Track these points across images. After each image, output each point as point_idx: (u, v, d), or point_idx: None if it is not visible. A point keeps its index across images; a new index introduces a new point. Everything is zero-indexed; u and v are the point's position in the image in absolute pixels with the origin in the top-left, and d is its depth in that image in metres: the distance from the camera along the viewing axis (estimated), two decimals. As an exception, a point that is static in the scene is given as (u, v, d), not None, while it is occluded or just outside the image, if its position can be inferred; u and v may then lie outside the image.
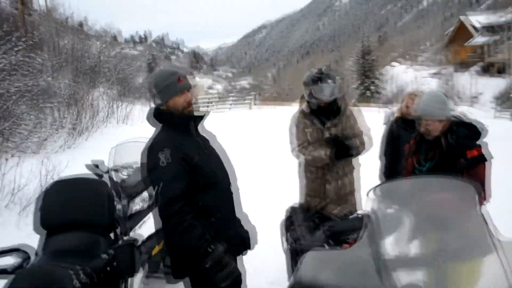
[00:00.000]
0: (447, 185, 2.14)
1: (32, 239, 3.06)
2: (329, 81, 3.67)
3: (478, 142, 2.80)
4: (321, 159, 3.71)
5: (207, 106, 34.35)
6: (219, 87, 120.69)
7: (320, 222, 3.14)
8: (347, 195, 3.94)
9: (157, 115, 2.52)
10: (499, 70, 51.09)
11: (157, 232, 3.55)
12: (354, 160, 3.98)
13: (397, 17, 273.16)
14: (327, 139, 3.72)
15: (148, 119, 2.59)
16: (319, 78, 3.66)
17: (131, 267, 2.65)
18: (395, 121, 4.34)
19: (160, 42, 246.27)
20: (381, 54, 73.32)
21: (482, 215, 1.88)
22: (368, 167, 4.24)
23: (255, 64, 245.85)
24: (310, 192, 3.96)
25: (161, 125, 2.53)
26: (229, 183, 2.62)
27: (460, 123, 2.89)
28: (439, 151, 2.84)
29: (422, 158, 2.94)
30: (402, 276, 1.74)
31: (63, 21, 30.52)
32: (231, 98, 39.04)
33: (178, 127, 2.48)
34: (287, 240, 3.54)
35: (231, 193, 2.64)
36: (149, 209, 3.84)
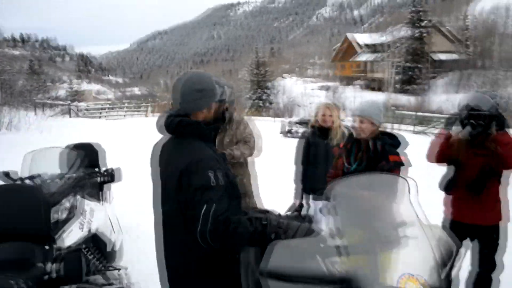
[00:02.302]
0: (385, 180, 2.52)
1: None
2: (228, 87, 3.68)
3: (399, 151, 3.22)
4: None
5: (99, 113, 32.43)
6: (109, 93, 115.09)
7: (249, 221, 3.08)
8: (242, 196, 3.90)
9: (185, 125, 2.28)
10: (380, 86, 55.14)
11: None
12: (247, 165, 4.27)
13: (289, 31, 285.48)
14: None
15: (164, 129, 2.33)
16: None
17: (78, 274, 2.67)
18: (311, 130, 4.60)
19: (45, 44, 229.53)
20: (273, 66, 75.50)
21: (412, 204, 2.16)
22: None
23: (148, 71, 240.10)
24: None
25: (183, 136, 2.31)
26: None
27: (385, 132, 3.31)
28: (366, 154, 3.19)
29: (352, 159, 3.28)
30: (358, 262, 1.93)
31: None
32: (125, 106, 37.22)
33: (207, 138, 2.35)
34: None
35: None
36: (74, 218, 3.70)
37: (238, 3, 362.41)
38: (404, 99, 47.81)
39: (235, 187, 2.38)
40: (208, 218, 2.05)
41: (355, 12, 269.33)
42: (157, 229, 2.37)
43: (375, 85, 57.42)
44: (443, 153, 3.51)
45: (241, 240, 2.16)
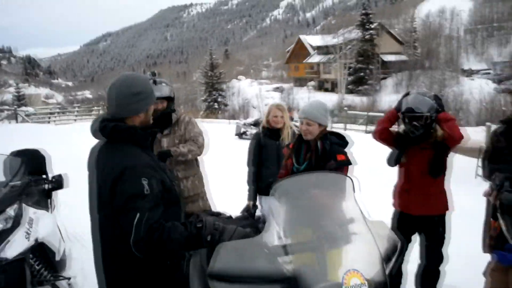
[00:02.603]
0: (330, 178, 2.60)
1: None
2: (163, 84, 3.95)
3: (345, 150, 3.29)
4: None
5: (49, 118, 31.28)
6: (58, 97, 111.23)
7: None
8: (192, 197, 4.12)
9: (120, 131, 2.20)
10: (333, 87, 56.21)
11: None
12: (199, 165, 4.24)
13: (243, 33, 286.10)
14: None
15: (98, 133, 2.23)
16: (154, 81, 3.88)
17: (21, 285, 2.64)
18: (262, 131, 4.59)
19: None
20: (228, 68, 75.48)
21: (357, 202, 2.29)
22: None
23: (99, 74, 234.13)
24: None
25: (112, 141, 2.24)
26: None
27: (332, 132, 3.39)
28: (315, 153, 3.22)
29: (301, 159, 3.32)
30: (304, 259, 1.98)
31: None
32: (76, 110, 36.07)
33: (143, 144, 2.29)
34: None
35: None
36: (19, 227, 3.47)
37: (191, 5, 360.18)
38: (356, 99, 48.99)
39: (173, 194, 2.34)
40: (141, 227, 2.00)
41: (308, 14, 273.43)
42: (94, 236, 2.29)
43: (328, 86, 58.49)
44: (389, 132, 3.70)
45: (176, 245, 2.13)
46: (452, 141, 3.45)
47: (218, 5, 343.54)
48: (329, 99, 50.27)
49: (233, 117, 42.25)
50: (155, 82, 3.93)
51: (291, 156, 3.43)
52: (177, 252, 2.30)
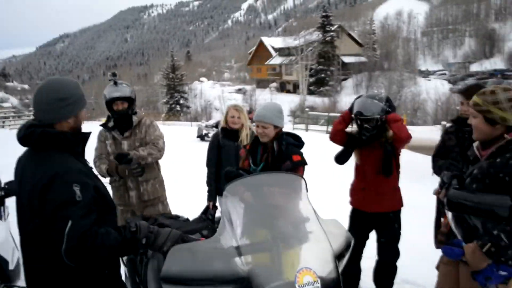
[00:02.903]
0: (283, 178, 2.58)
1: None
2: (123, 84, 3.97)
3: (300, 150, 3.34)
4: (102, 173, 3.90)
5: (3, 122, 30.18)
6: (13, 100, 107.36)
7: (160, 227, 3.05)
8: (153, 201, 4.15)
9: (48, 137, 2.11)
10: (294, 88, 56.73)
11: None
12: (160, 169, 4.29)
13: (204, 35, 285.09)
14: (114, 156, 3.92)
15: (25, 139, 2.13)
16: (114, 82, 3.92)
17: None
18: (220, 132, 4.59)
19: None
20: (190, 70, 75.00)
21: (310, 201, 2.32)
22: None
23: (56, 76, 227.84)
24: (118, 201, 4.08)
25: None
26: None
27: (288, 133, 3.40)
28: (271, 154, 3.24)
29: (257, 160, 3.33)
30: (257, 260, 2.01)
31: None
32: (32, 114, 34.85)
33: (74, 150, 2.21)
34: None
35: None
36: None
37: (151, 6, 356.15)
38: (318, 100, 49.62)
39: (108, 200, 2.28)
40: (74, 235, 1.93)
41: (269, 16, 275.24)
42: (23, 247, 2.19)
43: (290, 88, 59.02)
44: (344, 133, 3.77)
45: (110, 251, 2.08)
46: (400, 141, 3.56)
47: (179, 6, 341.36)
48: (291, 100, 50.75)
49: (195, 119, 41.91)
50: (115, 83, 3.92)
51: (247, 158, 3.44)
52: (111, 258, 2.24)
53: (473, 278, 2.21)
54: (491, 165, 2.23)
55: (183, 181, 8.84)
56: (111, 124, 4.07)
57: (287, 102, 50.08)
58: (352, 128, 3.81)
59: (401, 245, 3.77)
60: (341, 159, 3.79)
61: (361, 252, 3.88)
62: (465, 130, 3.08)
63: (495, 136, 2.29)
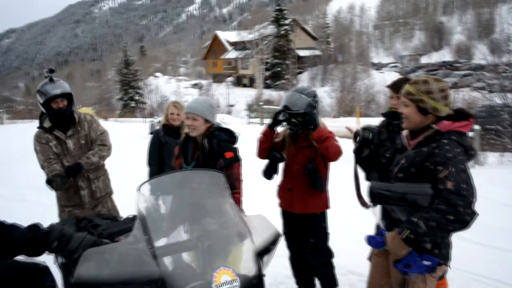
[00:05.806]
0: (203, 175, 2.55)
1: None
2: (60, 81, 3.81)
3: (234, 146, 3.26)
4: (59, 173, 3.71)
5: None
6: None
7: (93, 228, 3.10)
8: (103, 198, 4.08)
9: None
10: (251, 82, 56.76)
11: None
12: (105, 164, 4.16)
13: (158, 29, 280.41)
14: (65, 170, 3.74)
15: None
16: (51, 79, 3.73)
17: None
18: (162, 129, 4.55)
19: None
20: (144, 65, 73.59)
21: (231, 197, 2.32)
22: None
23: (4, 73, 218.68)
24: (67, 202, 3.93)
25: None
26: None
27: (221, 128, 3.30)
28: (202, 152, 3.17)
29: (189, 158, 3.26)
30: (173, 260, 1.98)
31: None
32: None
33: None
34: None
35: None
36: None
37: None
38: (274, 94, 49.81)
39: None
40: None
41: (224, 10, 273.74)
42: None
43: (246, 82, 58.97)
44: (271, 149, 3.64)
45: (16, 246, 2.04)
46: (329, 160, 3.51)
47: (131, 0, 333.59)
48: (248, 94, 50.80)
49: (151, 115, 41.22)
50: (51, 80, 3.74)
51: (178, 156, 3.36)
52: (15, 255, 2.15)
53: (394, 266, 2.25)
54: (417, 154, 2.27)
55: (130, 177, 8.68)
56: (47, 124, 3.87)
57: (244, 96, 50.07)
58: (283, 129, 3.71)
59: (347, 235, 3.74)
60: (268, 173, 3.69)
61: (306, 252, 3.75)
62: (395, 123, 3.10)
63: (424, 126, 2.32)
